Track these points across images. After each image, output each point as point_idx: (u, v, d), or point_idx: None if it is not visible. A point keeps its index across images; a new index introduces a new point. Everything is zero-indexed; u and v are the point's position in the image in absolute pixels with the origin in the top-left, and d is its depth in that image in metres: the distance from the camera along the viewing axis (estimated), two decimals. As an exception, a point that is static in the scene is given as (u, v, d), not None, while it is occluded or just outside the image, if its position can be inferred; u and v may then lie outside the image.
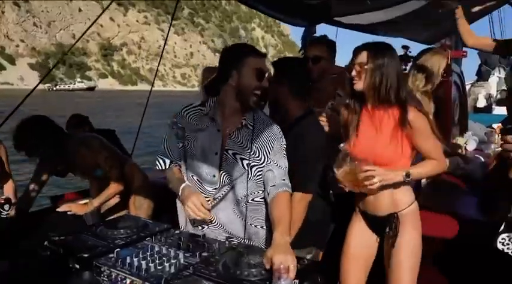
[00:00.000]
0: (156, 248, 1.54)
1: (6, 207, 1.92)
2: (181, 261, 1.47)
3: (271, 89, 2.09)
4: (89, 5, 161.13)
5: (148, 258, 1.46)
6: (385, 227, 1.93)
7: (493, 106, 7.30)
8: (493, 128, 4.41)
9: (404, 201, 1.91)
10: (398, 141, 1.83)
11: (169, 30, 4.98)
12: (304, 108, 2.21)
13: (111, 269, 1.41)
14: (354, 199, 2.06)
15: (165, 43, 5.14)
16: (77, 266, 1.44)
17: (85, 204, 2.86)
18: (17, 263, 1.44)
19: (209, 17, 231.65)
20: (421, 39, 4.18)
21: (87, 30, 3.52)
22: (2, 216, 1.91)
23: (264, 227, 1.93)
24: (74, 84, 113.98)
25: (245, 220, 1.87)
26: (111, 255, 1.48)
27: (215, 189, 1.85)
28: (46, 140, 2.61)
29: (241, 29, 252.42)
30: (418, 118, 1.81)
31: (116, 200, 2.98)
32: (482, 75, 7.98)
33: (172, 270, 1.41)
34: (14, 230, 1.88)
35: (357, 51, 1.85)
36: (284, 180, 1.84)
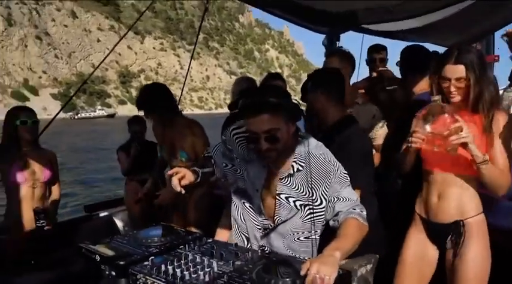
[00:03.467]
0: (190, 257, 1.53)
1: (42, 216, 1.96)
2: (215, 269, 1.45)
3: (308, 101, 2.12)
4: (107, 35, 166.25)
5: (183, 266, 1.45)
6: (446, 236, 1.82)
7: None
8: None
9: (472, 208, 1.80)
10: (481, 146, 1.75)
11: (191, 59, 5.05)
12: (343, 113, 2.20)
13: (147, 277, 1.40)
14: (413, 204, 1.98)
15: (188, 69, 5.23)
16: (113, 273, 1.44)
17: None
18: (54, 271, 1.45)
19: (223, 41, 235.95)
20: (450, 44, 4.12)
21: (105, 58, 3.66)
22: (37, 224, 1.95)
23: None
24: (95, 111, 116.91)
25: (294, 254, 1.79)
26: (146, 263, 1.47)
27: (266, 219, 1.80)
28: (162, 104, 2.90)
29: (256, 51, 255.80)
30: (504, 119, 1.77)
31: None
32: None
33: (207, 279, 1.39)
34: (50, 239, 1.91)
35: (448, 64, 1.78)
36: (355, 209, 1.68)
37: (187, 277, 1.39)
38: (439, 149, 1.72)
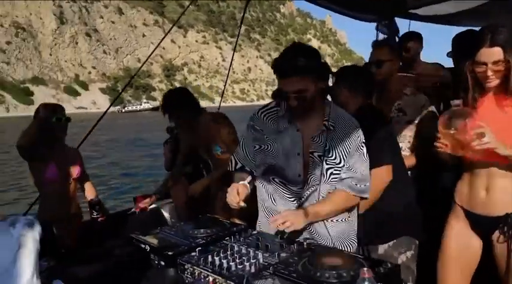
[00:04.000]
0: (236, 248, 1.55)
1: (97, 207, 2.05)
2: (261, 261, 1.46)
3: (332, 95, 2.12)
4: (152, 30, 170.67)
5: (229, 257, 1.47)
6: (494, 230, 1.76)
7: None
8: None
9: None
10: None
11: (234, 52, 5.06)
12: (363, 102, 2.22)
13: (195, 267, 1.43)
14: (454, 194, 1.92)
15: (231, 62, 5.29)
16: (162, 263, 1.49)
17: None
18: (106, 261, 1.52)
19: (265, 32, 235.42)
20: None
21: (151, 54, 3.76)
22: (93, 216, 2.04)
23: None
24: (141, 104, 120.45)
25: (324, 220, 1.84)
26: (194, 253, 1.51)
27: (300, 188, 1.83)
28: (186, 107, 3.02)
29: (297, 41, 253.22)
30: None
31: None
32: None
33: (253, 270, 1.40)
34: (103, 229, 2.01)
35: (483, 48, 1.70)
36: (356, 184, 1.80)
37: (233, 268, 1.41)
38: (465, 154, 1.70)
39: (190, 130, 3.13)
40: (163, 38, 4.22)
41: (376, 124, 2.10)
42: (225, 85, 5.51)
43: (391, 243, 2.11)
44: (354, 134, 1.83)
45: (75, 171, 2.98)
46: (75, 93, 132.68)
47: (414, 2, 3.17)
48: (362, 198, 1.86)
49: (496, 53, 1.66)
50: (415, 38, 3.17)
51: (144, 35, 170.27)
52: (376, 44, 2.85)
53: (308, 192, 1.83)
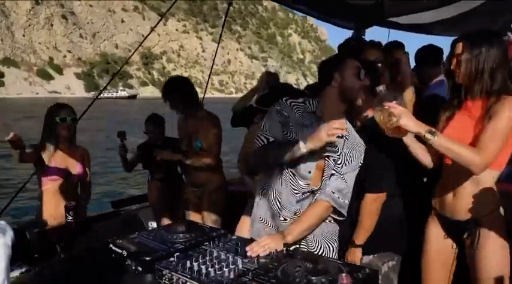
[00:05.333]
0: (215, 254, 1.53)
1: (71, 212, 2.01)
2: (240, 267, 1.45)
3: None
4: (131, 16, 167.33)
5: (208, 263, 1.45)
6: (463, 232, 1.81)
7: None
8: None
9: (487, 207, 1.75)
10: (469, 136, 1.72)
11: (217, 47, 4.98)
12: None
13: (173, 273, 1.41)
14: (432, 200, 1.96)
15: (216, 54, 5.20)
16: (140, 268, 1.46)
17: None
18: (81, 265, 1.48)
19: (246, 24, 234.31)
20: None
21: (144, 39, 3.69)
22: (67, 220, 2.00)
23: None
24: (117, 92, 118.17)
25: None
26: (172, 259, 1.48)
27: (307, 184, 1.85)
28: (186, 97, 3.08)
29: (278, 35, 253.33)
30: (502, 108, 1.64)
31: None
32: None
33: (232, 275, 1.39)
34: (79, 233, 1.96)
35: (454, 43, 1.77)
36: (335, 194, 1.82)
37: (212, 274, 1.39)
38: (394, 136, 1.76)
39: (190, 119, 3.15)
40: (156, 24, 4.07)
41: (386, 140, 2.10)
42: (209, 77, 5.41)
43: (376, 254, 2.13)
44: (359, 151, 1.89)
45: (76, 170, 2.93)
46: (48, 77, 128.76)
47: (393, 10, 3.21)
48: (340, 215, 1.88)
49: (459, 45, 1.72)
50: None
51: (123, 21, 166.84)
52: (369, 44, 2.85)
53: (312, 189, 1.86)
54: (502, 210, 1.79)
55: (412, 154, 1.92)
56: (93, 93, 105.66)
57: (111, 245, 1.56)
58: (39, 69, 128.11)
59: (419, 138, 1.75)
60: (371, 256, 2.12)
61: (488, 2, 2.82)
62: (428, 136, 1.63)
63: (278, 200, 1.88)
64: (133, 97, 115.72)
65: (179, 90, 3.10)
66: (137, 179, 10.55)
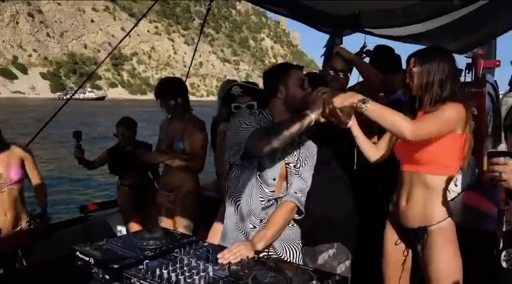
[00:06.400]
0: (186, 261, 1.51)
1: (38, 220, 1.92)
2: (211, 274, 1.43)
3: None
4: (101, 16, 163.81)
5: (178, 270, 1.43)
6: (414, 239, 1.88)
7: None
8: None
9: (437, 215, 1.82)
10: (444, 141, 1.78)
11: (195, 51, 4.91)
12: None
13: (141, 281, 1.38)
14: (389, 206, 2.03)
15: (193, 56, 5.13)
16: (107, 277, 1.42)
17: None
18: (47, 272, 1.42)
19: (219, 27, 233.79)
20: (452, 48, 4.10)
21: (118, 43, 3.61)
22: (31, 227, 1.91)
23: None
24: (85, 93, 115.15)
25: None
26: (141, 266, 1.45)
27: (272, 191, 1.91)
28: (177, 98, 3.05)
29: (251, 39, 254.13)
30: (448, 107, 1.75)
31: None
32: None
33: (202, 283, 1.37)
34: (44, 240, 1.88)
35: (408, 59, 1.90)
36: (298, 193, 1.89)
37: (182, 282, 1.37)
38: (340, 122, 1.82)
39: (175, 120, 3.14)
40: (134, 27, 3.93)
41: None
42: (186, 78, 5.33)
43: (331, 252, 2.16)
44: (312, 152, 2.01)
45: (9, 175, 2.65)
46: (11, 76, 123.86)
47: (368, 23, 3.28)
48: (299, 213, 1.93)
49: (411, 61, 1.86)
50: None
51: (92, 21, 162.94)
52: (333, 53, 2.89)
53: (276, 198, 1.92)
54: (450, 220, 1.85)
55: (359, 147, 2.05)
56: (59, 94, 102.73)
57: (77, 252, 1.51)
58: (2, 68, 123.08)
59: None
60: (326, 255, 2.14)
61: (459, 19, 2.94)
62: (360, 104, 1.68)
63: (247, 207, 1.90)
64: (101, 98, 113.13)
65: (174, 90, 3.10)
66: (107, 183, 10.32)
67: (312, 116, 1.72)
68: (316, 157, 2.02)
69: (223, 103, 2.74)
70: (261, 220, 1.90)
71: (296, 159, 1.94)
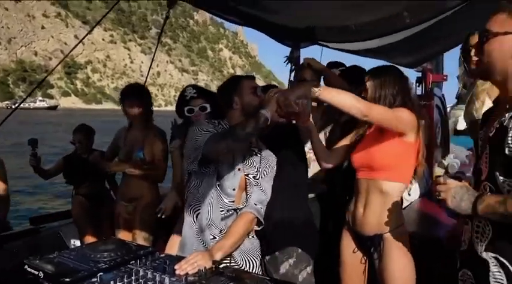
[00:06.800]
0: (141, 273, 1.47)
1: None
2: (167, 286, 1.41)
3: None
4: (53, 23, 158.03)
5: (133, 283, 1.39)
6: (370, 247, 1.93)
7: None
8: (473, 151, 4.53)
9: (392, 223, 1.87)
10: (398, 147, 1.85)
11: (152, 61, 4.84)
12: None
13: (94, 295, 1.34)
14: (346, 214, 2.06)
15: (151, 66, 5.06)
16: (58, 291, 1.36)
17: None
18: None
19: (176, 37, 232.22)
20: (403, 63, 4.31)
21: (70, 51, 3.48)
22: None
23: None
24: (35, 102, 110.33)
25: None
26: (94, 279, 1.40)
27: (232, 201, 1.90)
28: (142, 105, 2.99)
29: (209, 50, 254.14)
30: (400, 108, 1.85)
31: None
32: (461, 99, 8.21)
33: (158, 295, 1.35)
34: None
35: (364, 75, 2.01)
36: (258, 205, 1.89)
37: (137, 294, 1.34)
38: (299, 120, 1.88)
39: (136, 130, 3.06)
40: (82, 38, 3.74)
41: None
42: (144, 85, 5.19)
43: (291, 262, 2.18)
44: (271, 162, 2.01)
45: None
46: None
47: (323, 36, 3.40)
48: (259, 224, 1.93)
49: (367, 78, 1.98)
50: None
51: (43, 27, 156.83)
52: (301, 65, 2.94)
53: (235, 209, 1.91)
54: (404, 227, 1.91)
55: (315, 152, 2.10)
56: (7, 102, 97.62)
57: (26, 266, 1.44)
58: None
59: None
60: (287, 265, 2.16)
61: (410, 37, 3.11)
62: (313, 90, 1.71)
63: (207, 217, 1.89)
64: (53, 108, 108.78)
65: (140, 97, 3.01)
66: (59, 193, 9.91)
67: (267, 114, 1.75)
68: (275, 167, 2.02)
69: (178, 108, 2.65)
70: (220, 231, 1.86)
71: (256, 170, 1.93)
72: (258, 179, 1.93)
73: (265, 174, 1.96)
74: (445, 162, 3.82)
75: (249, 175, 1.92)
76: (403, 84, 1.96)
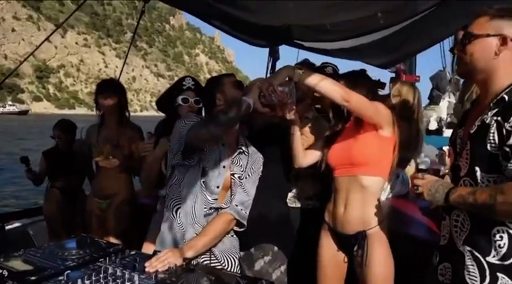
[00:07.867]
0: (110, 270, 1.45)
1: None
2: (137, 283, 1.40)
3: None
4: (24, 25, 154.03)
5: (102, 280, 1.37)
6: (353, 245, 1.93)
7: (444, 129, 7.65)
8: (443, 150, 4.64)
9: (374, 219, 1.90)
10: (375, 141, 1.88)
11: (123, 66, 4.73)
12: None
13: (61, 293, 1.31)
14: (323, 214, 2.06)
15: (122, 69, 4.98)
16: (23, 290, 1.33)
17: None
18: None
19: (152, 42, 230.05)
20: (377, 63, 4.39)
21: (35, 50, 3.38)
22: None
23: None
24: (5, 107, 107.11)
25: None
26: (61, 278, 1.37)
27: (215, 199, 1.88)
28: (118, 98, 2.95)
29: (185, 55, 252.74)
30: (377, 102, 1.89)
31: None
32: (433, 99, 8.37)
33: (128, 293, 1.34)
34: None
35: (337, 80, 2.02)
36: (239, 206, 1.90)
37: (105, 292, 1.32)
38: (285, 113, 1.84)
39: (111, 127, 3.00)
40: (48, 37, 3.67)
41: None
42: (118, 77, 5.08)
43: (266, 259, 2.19)
44: (258, 164, 2.03)
45: None
46: None
47: (299, 35, 3.42)
48: (240, 226, 1.93)
49: (340, 82, 1.95)
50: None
51: (13, 30, 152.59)
52: (299, 63, 2.95)
53: (220, 205, 1.90)
54: (385, 222, 1.92)
55: (292, 148, 2.11)
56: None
57: (-11, 264, 1.40)
58: None
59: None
60: (262, 262, 2.18)
61: (384, 38, 3.19)
62: (298, 71, 1.73)
63: (190, 214, 1.88)
64: (24, 113, 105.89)
65: (116, 90, 2.98)
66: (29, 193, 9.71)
67: (248, 100, 1.73)
68: (261, 169, 2.02)
69: (170, 95, 2.52)
70: (202, 228, 1.85)
71: (242, 169, 1.94)
72: (242, 179, 1.93)
73: (249, 175, 1.96)
74: (418, 160, 3.92)
75: (235, 175, 1.92)
76: (371, 87, 2.03)
